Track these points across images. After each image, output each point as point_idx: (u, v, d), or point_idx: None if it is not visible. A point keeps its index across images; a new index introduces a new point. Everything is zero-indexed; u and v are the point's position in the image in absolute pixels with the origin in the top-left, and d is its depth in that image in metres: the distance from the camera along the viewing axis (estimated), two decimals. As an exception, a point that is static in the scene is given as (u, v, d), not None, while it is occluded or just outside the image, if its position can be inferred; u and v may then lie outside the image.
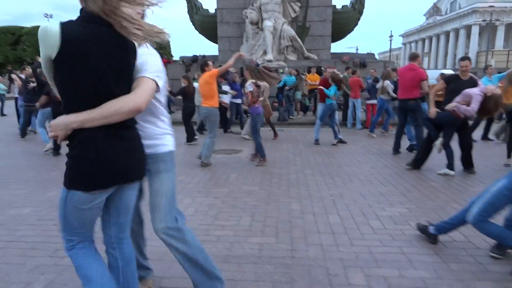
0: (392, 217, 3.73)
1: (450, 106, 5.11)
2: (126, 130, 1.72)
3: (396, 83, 8.95)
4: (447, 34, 57.71)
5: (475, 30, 50.26)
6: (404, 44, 75.98)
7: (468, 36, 52.10)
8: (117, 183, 1.71)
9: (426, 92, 6.25)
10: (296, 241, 3.15)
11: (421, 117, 6.30)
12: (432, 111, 5.32)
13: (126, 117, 1.63)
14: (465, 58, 5.35)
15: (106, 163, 1.64)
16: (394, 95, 8.66)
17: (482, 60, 46.32)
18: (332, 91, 7.87)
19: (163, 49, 43.68)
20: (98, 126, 1.59)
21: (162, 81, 1.79)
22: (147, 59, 1.76)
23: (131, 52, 1.69)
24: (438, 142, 5.31)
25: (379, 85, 9.19)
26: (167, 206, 2.05)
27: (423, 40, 66.16)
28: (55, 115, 6.64)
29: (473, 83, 5.24)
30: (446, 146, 5.31)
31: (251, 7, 16.03)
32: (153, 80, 1.72)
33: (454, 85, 5.19)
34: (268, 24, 15.40)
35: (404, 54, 75.16)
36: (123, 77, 1.66)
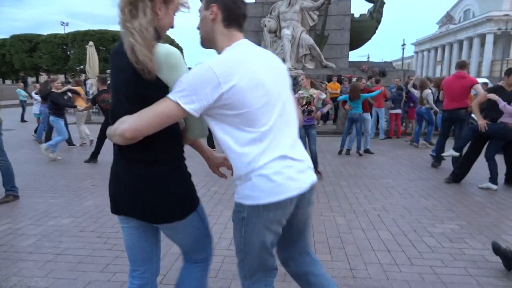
0: (445, 234, 3.57)
1: (492, 96, 5.00)
2: (135, 162, 1.46)
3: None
4: (460, 42, 57.22)
5: (489, 39, 49.74)
6: (416, 52, 75.54)
7: (483, 44, 51.57)
8: (114, 212, 1.58)
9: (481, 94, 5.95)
10: (353, 259, 3.02)
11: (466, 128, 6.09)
12: (483, 123, 5.12)
13: (120, 141, 1.36)
14: None
15: (109, 186, 1.59)
16: (434, 106, 8.47)
17: (497, 69, 45.78)
18: (341, 98, 8.32)
19: (176, 56, 44.00)
20: (117, 146, 1.49)
21: (199, 101, 1.30)
22: (184, 75, 1.35)
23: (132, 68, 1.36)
24: (454, 153, 5.61)
25: (418, 95, 8.88)
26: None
27: (436, 48, 65.69)
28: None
29: None
30: (491, 159, 5.14)
31: (269, 15, 16.05)
32: (172, 100, 1.31)
33: (501, 96, 5.01)
34: (286, 32, 15.37)
35: (416, 62, 74.73)
36: (124, 97, 1.44)
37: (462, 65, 6.32)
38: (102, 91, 6.89)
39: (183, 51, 46.02)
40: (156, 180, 1.45)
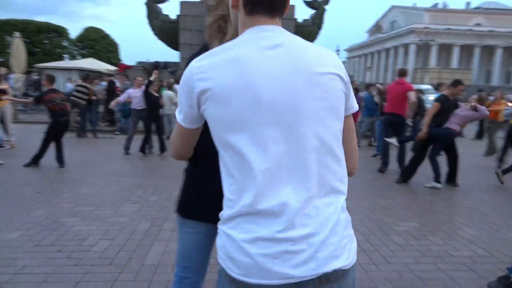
0: (409, 232, 3.81)
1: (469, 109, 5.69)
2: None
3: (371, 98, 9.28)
4: (387, 50, 61.95)
5: (412, 49, 54.51)
6: (348, 58, 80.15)
7: (406, 53, 56.36)
8: (188, 216, 1.51)
9: (413, 102, 6.49)
10: (333, 261, 3.08)
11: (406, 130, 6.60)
12: (422, 133, 5.62)
13: None
14: (462, 82, 5.71)
15: (189, 190, 1.53)
16: None
17: (418, 76, 50.36)
18: None
19: (111, 52, 41.77)
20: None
21: (183, 109, 1.04)
22: None
23: None
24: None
25: (377, 100, 9.23)
26: None
27: (366, 55, 70.35)
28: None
29: (456, 103, 5.68)
30: (434, 160, 5.61)
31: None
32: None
33: (446, 105, 5.53)
34: (232, 33, 15.34)
35: (347, 68, 79.29)
36: None
37: (401, 73, 6.92)
38: (50, 90, 6.27)
39: (119, 47, 43.83)
40: None
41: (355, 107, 1.10)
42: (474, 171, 7.01)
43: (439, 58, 55.13)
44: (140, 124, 8.03)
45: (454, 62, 54.91)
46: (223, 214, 1.00)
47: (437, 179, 5.65)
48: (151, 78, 7.75)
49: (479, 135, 11.84)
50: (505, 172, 5.99)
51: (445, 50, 55.51)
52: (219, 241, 1.01)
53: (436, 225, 4.04)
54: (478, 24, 56.14)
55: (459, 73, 44.28)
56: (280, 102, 0.93)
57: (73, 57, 38.41)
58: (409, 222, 4.11)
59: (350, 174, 1.12)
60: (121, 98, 8.01)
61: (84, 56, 36.60)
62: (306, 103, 0.94)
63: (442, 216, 4.34)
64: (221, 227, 1.01)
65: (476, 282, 2.81)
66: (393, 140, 6.36)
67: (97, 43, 40.62)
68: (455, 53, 55.27)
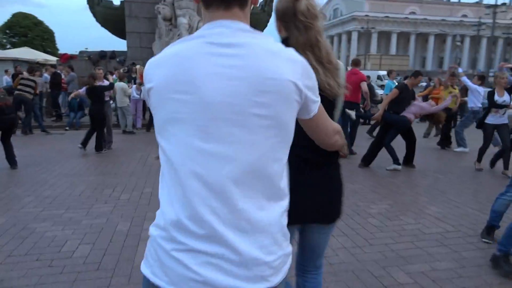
0: (382, 213, 4.06)
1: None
2: (320, 166, 1.55)
3: None
4: (331, 38, 63.84)
5: (354, 36, 56.73)
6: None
7: (349, 40, 58.55)
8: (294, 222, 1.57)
9: (366, 92, 6.89)
10: (320, 247, 3.20)
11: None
12: (378, 114, 6.00)
13: None
14: (422, 73, 6.10)
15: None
16: None
17: (361, 62, 52.72)
18: None
19: (46, 41, 38.73)
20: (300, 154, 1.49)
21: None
22: None
23: None
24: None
25: None
26: None
27: (311, 42, 71.96)
28: None
29: (414, 94, 6.11)
30: (388, 145, 6.00)
31: (163, 2, 15.31)
32: None
33: (405, 94, 5.89)
34: (183, 21, 14.91)
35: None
36: None
37: (355, 63, 7.32)
38: None
39: (54, 34, 40.73)
40: (337, 180, 1.59)
41: (315, 111, 1.02)
42: (426, 152, 7.56)
43: (379, 44, 57.98)
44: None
45: (393, 48, 58.09)
46: (158, 221, 0.96)
47: (396, 161, 6.03)
48: (111, 81, 7.48)
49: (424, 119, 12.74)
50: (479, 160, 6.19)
51: (385, 37, 58.46)
52: (150, 246, 0.97)
53: (405, 205, 4.35)
54: (413, 12, 59.69)
55: (398, 59, 46.98)
56: (217, 105, 0.86)
57: (2, 46, 35.16)
58: (380, 204, 4.37)
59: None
60: (82, 90, 7.52)
61: (14, 45, 33.60)
62: (247, 109, 0.87)
63: (408, 197, 4.67)
64: (153, 232, 0.96)
65: (450, 255, 3.09)
66: (351, 113, 6.70)
67: (29, 30, 37.42)
68: (393, 40, 58.42)
